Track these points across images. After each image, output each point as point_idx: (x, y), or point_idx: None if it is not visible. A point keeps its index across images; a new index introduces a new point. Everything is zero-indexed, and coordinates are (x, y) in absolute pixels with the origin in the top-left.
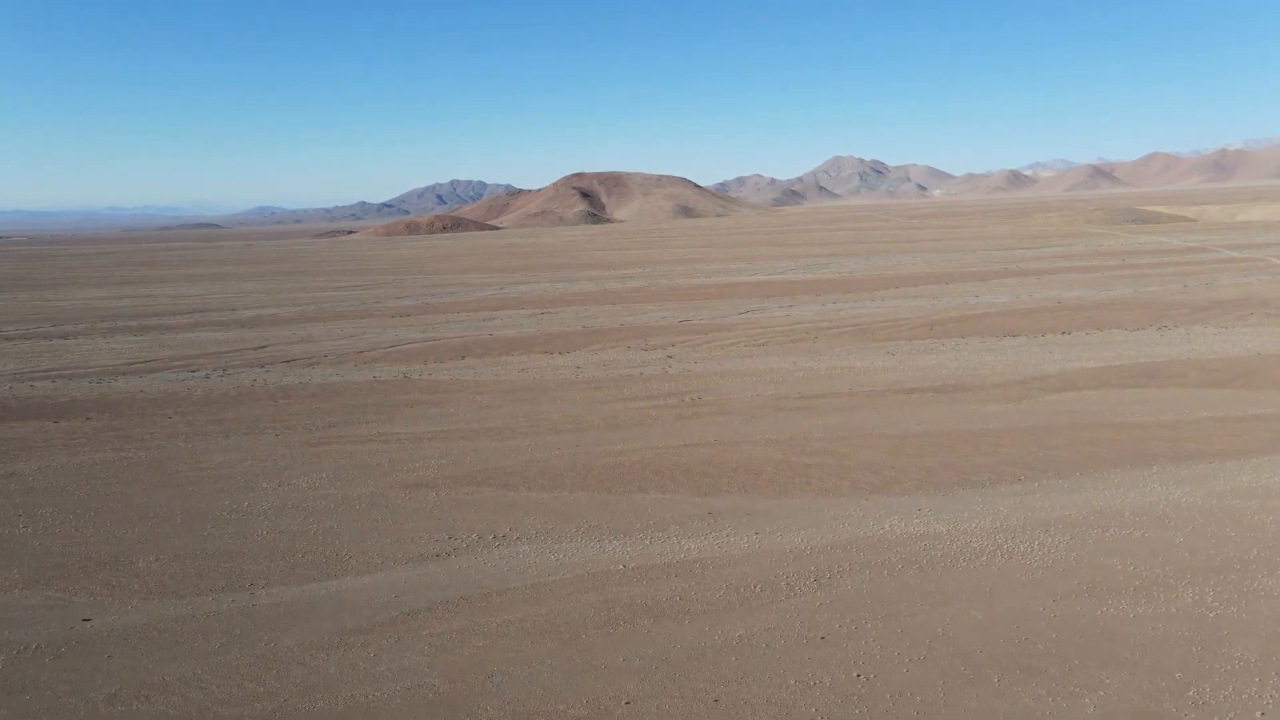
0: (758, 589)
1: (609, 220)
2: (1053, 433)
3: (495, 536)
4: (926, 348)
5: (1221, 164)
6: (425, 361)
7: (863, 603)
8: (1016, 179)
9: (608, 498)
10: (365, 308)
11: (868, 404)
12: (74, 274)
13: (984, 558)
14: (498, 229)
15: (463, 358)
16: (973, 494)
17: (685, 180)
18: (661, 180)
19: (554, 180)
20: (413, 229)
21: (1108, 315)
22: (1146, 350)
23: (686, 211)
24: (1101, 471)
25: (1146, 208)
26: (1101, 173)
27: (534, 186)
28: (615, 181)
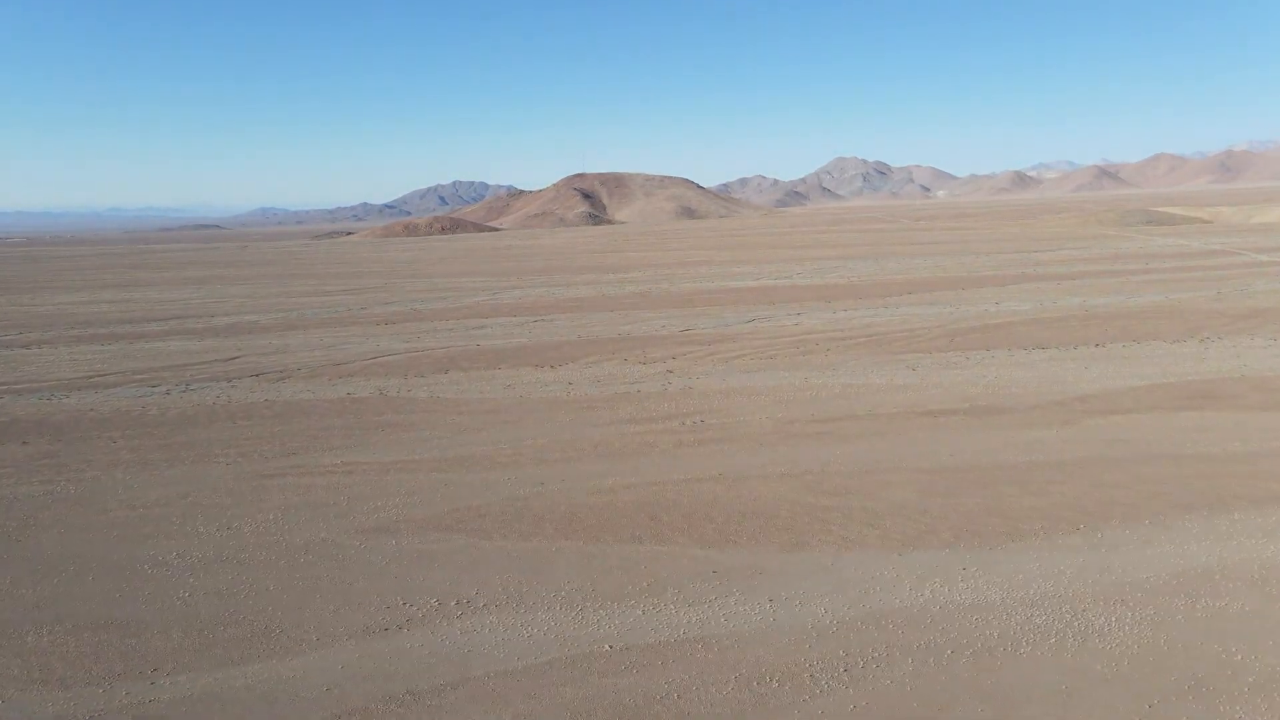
0: (774, 682)
1: (610, 221)
2: (1107, 467)
3: (458, 602)
4: (949, 361)
5: (1228, 165)
6: (405, 375)
7: (907, 706)
8: (1021, 180)
9: (595, 549)
10: (350, 314)
11: (891, 429)
12: (59, 277)
13: (1052, 640)
14: (498, 230)
15: (446, 371)
16: (1025, 548)
17: (687, 181)
18: (663, 181)
19: (555, 181)
20: (411, 230)
21: (1142, 325)
22: (1193, 366)
23: (689, 213)
24: (1173, 518)
25: (1159, 209)
26: (1106, 174)
27: (536, 187)
28: (617, 182)
